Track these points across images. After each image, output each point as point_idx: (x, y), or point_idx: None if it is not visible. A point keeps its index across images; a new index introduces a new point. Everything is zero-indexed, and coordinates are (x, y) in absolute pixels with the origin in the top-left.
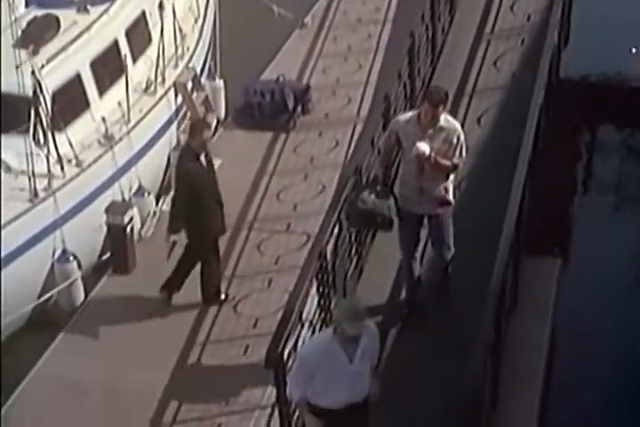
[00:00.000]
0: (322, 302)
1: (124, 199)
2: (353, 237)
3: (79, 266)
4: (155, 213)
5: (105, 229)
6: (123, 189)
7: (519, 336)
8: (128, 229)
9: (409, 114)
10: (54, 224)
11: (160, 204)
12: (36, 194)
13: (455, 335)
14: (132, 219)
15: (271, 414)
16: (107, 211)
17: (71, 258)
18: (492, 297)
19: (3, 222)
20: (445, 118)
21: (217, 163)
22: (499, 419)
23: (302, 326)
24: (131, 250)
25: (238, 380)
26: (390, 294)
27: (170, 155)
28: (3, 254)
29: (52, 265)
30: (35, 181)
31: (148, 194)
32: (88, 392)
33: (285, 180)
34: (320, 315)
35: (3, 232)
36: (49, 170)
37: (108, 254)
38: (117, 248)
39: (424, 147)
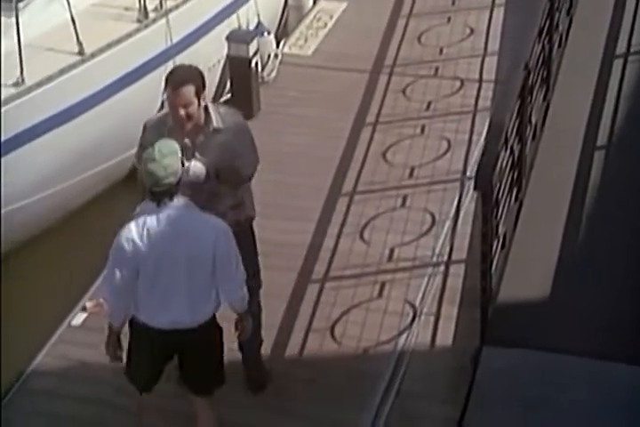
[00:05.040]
0: (522, 119)
1: None
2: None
3: None
4: (276, 55)
5: (222, 65)
6: (240, 23)
7: None
8: (252, 63)
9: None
10: (167, 53)
11: (281, 46)
12: (145, 14)
13: None
14: (256, 52)
15: (446, 272)
16: (228, 39)
17: None
18: None
19: (107, 43)
20: (217, 112)
21: (342, 6)
22: None
23: (506, 147)
24: (255, 89)
25: (398, 232)
26: None
27: None
28: (108, 82)
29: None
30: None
31: (268, 33)
32: None
33: (424, 22)
34: (517, 134)
35: (105, 55)
36: None
37: (227, 96)
38: (240, 86)
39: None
